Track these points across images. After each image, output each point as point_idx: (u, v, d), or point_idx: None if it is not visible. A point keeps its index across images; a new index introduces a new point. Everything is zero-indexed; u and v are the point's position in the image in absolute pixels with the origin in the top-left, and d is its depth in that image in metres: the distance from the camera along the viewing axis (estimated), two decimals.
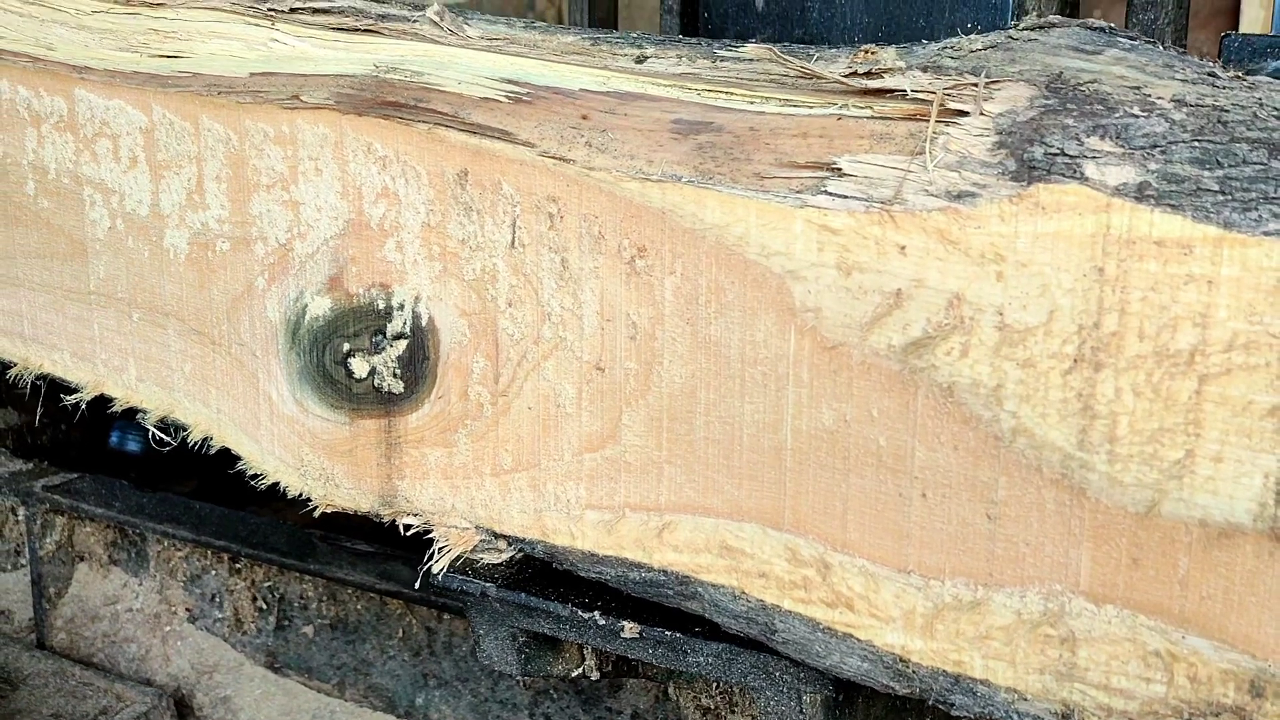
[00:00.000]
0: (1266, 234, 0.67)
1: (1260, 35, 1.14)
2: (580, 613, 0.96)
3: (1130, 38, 0.78)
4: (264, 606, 2.03)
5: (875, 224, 0.77)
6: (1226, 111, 0.71)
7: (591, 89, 0.89)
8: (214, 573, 2.10)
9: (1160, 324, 0.70)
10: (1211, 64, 0.75)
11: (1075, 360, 0.73)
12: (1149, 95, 0.73)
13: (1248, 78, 0.73)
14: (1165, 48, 0.77)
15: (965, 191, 0.74)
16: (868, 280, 0.77)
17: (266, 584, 2.01)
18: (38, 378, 1.12)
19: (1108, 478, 0.73)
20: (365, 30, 0.98)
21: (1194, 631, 0.73)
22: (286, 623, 1.97)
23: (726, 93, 0.86)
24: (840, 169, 0.78)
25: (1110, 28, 0.79)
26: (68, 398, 1.11)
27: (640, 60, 0.91)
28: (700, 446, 0.85)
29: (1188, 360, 0.70)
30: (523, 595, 0.99)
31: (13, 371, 1.13)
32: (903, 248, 0.76)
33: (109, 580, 2.24)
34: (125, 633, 2.17)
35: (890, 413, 0.79)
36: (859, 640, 0.82)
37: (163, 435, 1.08)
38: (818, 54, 0.86)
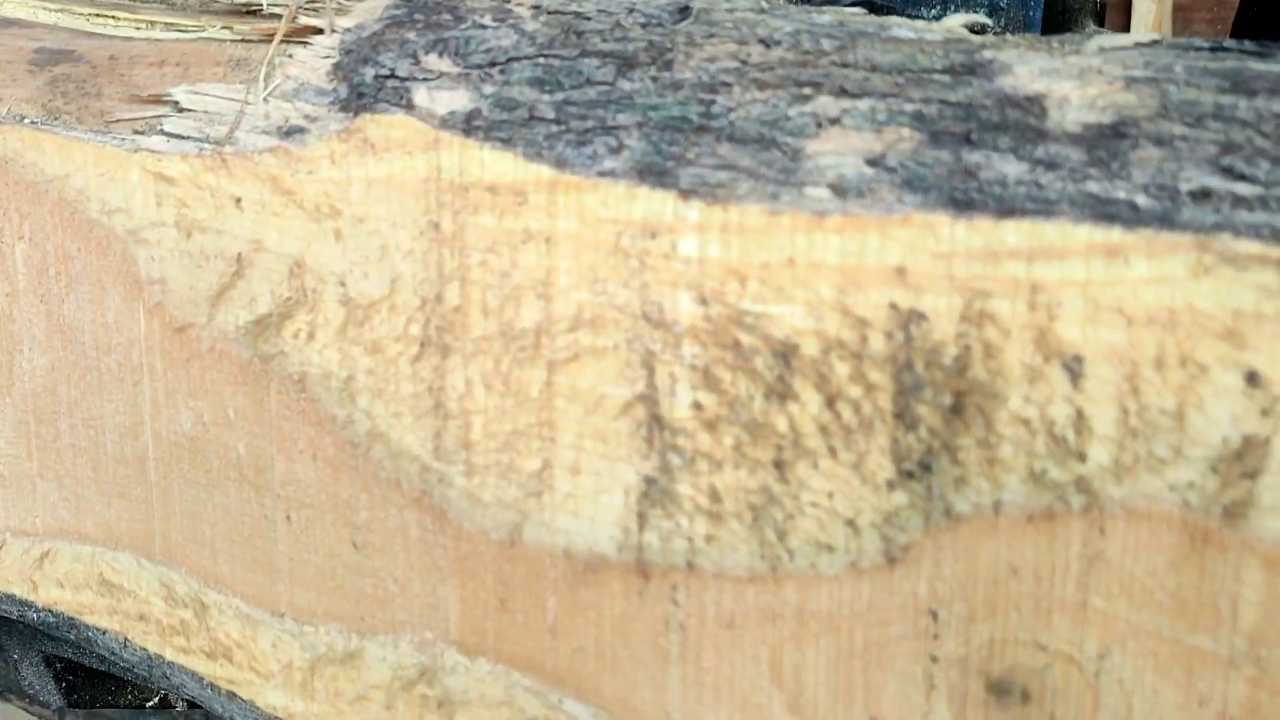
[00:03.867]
0: (602, 174, 0.51)
1: None
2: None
3: None
4: None
5: (209, 170, 0.60)
6: (588, 19, 0.54)
7: None
8: None
9: (503, 296, 0.54)
10: None
11: (422, 344, 0.56)
12: (508, 1, 0.56)
13: None
14: None
15: (296, 126, 0.58)
16: (209, 243, 0.61)
17: None
18: None
19: (467, 495, 0.57)
20: None
21: (570, 694, 0.56)
22: None
23: (112, 16, 0.69)
24: (178, 103, 0.62)
25: None
26: None
27: None
28: (68, 456, 0.69)
29: (534, 343, 0.53)
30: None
31: None
32: (239, 200, 0.60)
33: None
34: None
35: (246, 413, 0.62)
36: (242, 700, 0.66)
37: None
38: None
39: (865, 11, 0.54)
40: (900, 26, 0.51)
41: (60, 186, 0.65)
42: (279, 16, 0.62)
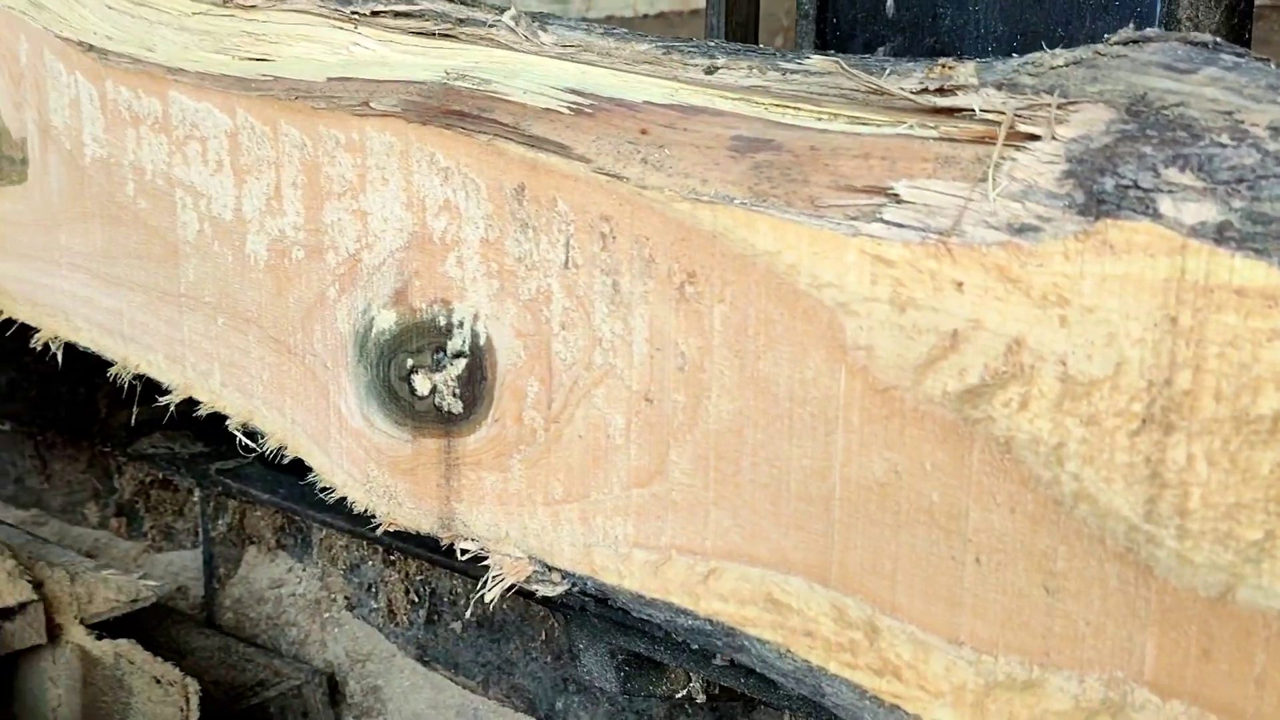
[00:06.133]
0: None
1: None
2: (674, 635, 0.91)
3: (1237, 54, 0.68)
4: (416, 599, 2.04)
5: (931, 257, 0.69)
6: None
7: (655, 101, 0.84)
8: (370, 563, 2.12)
9: (1239, 385, 0.61)
10: None
11: (1144, 420, 0.64)
12: (1242, 122, 0.63)
13: None
14: (1276, 66, 0.67)
15: (1028, 225, 0.66)
16: (922, 318, 0.70)
17: (419, 577, 2.02)
18: (135, 377, 1.13)
19: (1177, 555, 0.64)
20: (443, 35, 0.95)
21: None
22: (436, 617, 1.97)
23: (794, 108, 0.79)
24: (898, 195, 0.71)
25: (1215, 43, 0.69)
26: (161, 399, 1.11)
27: (710, 71, 0.85)
28: (747, 490, 0.79)
29: (1270, 429, 0.61)
30: (620, 612, 0.93)
31: (113, 370, 1.15)
32: (960, 284, 0.68)
33: (275, 564, 2.29)
34: (287, 616, 2.22)
35: (944, 466, 0.71)
36: (906, 713, 0.75)
37: (248, 441, 1.07)
38: (891, 67, 0.78)
39: None
40: None
41: (770, 260, 0.75)
42: (989, 121, 0.70)
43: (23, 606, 1.61)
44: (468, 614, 1.86)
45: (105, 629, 1.72)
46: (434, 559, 1.95)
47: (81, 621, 1.74)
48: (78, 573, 1.83)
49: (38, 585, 1.71)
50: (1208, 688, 0.65)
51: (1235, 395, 0.61)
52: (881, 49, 1.19)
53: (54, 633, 1.68)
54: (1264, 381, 0.60)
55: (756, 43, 1.49)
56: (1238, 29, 1.21)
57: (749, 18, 1.46)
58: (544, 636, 1.75)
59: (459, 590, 1.96)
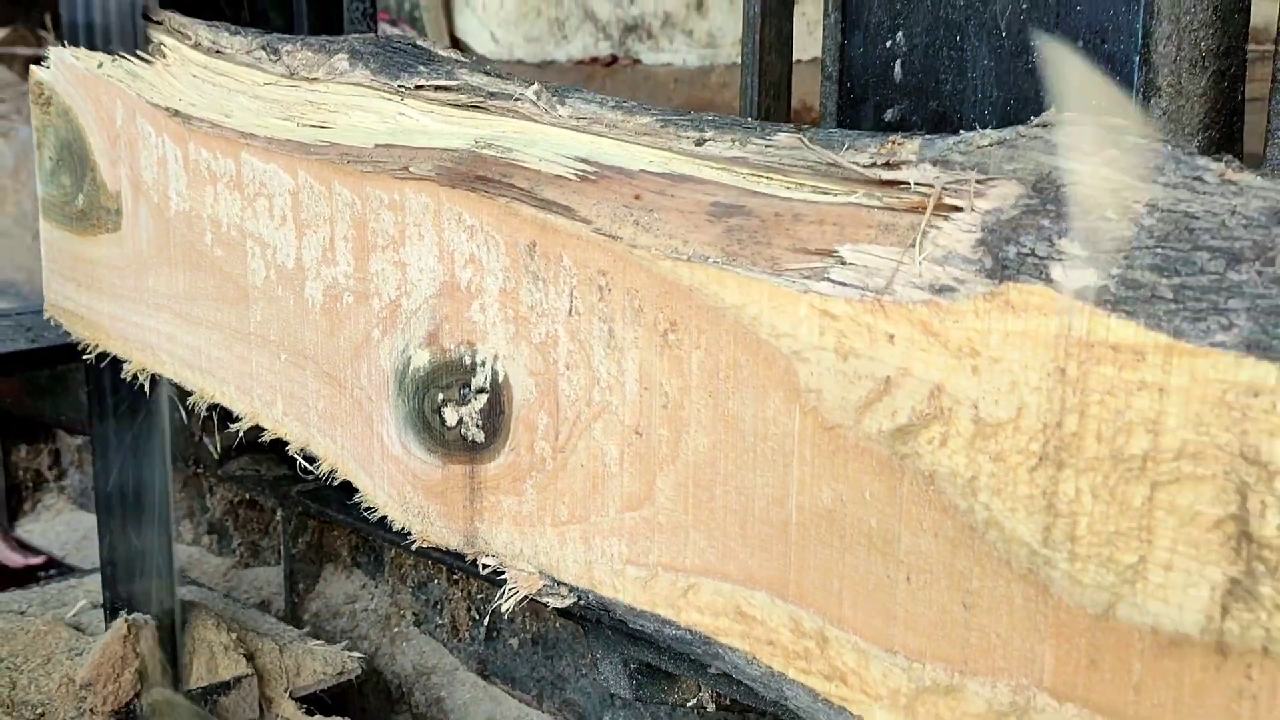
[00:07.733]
0: (1213, 345, 0.67)
1: None
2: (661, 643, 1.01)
3: (1141, 137, 0.78)
4: (477, 617, 2.17)
5: (869, 312, 0.80)
6: (1196, 219, 0.70)
7: (650, 170, 0.95)
8: (436, 581, 2.25)
9: (1116, 428, 0.70)
10: (1209, 167, 0.73)
11: (1040, 458, 0.74)
12: (1125, 199, 0.73)
13: (1237, 181, 0.72)
14: (1172, 148, 0.76)
15: (946, 286, 0.76)
16: (862, 366, 0.80)
17: (480, 596, 2.14)
18: (209, 406, 1.26)
19: (1069, 576, 0.74)
20: (474, 107, 1.07)
21: None
22: (496, 634, 2.09)
23: (766, 177, 0.90)
24: (843, 257, 0.81)
25: (1126, 127, 0.78)
26: (232, 425, 1.25)
27: (700, 143, 0.96)
28: (719, 514, 0.90)
29: (1140, 466, 0.70)
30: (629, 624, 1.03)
31: (191, 399, 1.29)
32: (891, 337, 0.79)
33: (351, 580, 2.42)
34: (360, 630, 2.35)
35: (880, 496, 0.81)
36: (851, 714, 0.85)
37: (307, 465, 1.20)
38: (850, 141, 0.88)
39: None
40: None
41: (737, 313, 0.86)
42: (923, 194, 0.80)
43: (237, 681, 1.61)
44: (510, 628, 1.98)
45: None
46: (494, 579, 2.07)
47: (290, 695, 1.71)
48: (285, 644, 1.79)
49: (250, 657, 1.68)
50: (1095, 693, 0.74)
51: (1113, 437, 0.71)
52: (890, 110, 1.29)
53: (263, 706, 1.68)
54: (1135, 425, 0.70)
55: (790, 103, 1.59)
56: (1228, 93, 1.29)
57: (782, 77, 1.57)
58: (593, 655, 1.86)
59: (517, 610, 2.08)
